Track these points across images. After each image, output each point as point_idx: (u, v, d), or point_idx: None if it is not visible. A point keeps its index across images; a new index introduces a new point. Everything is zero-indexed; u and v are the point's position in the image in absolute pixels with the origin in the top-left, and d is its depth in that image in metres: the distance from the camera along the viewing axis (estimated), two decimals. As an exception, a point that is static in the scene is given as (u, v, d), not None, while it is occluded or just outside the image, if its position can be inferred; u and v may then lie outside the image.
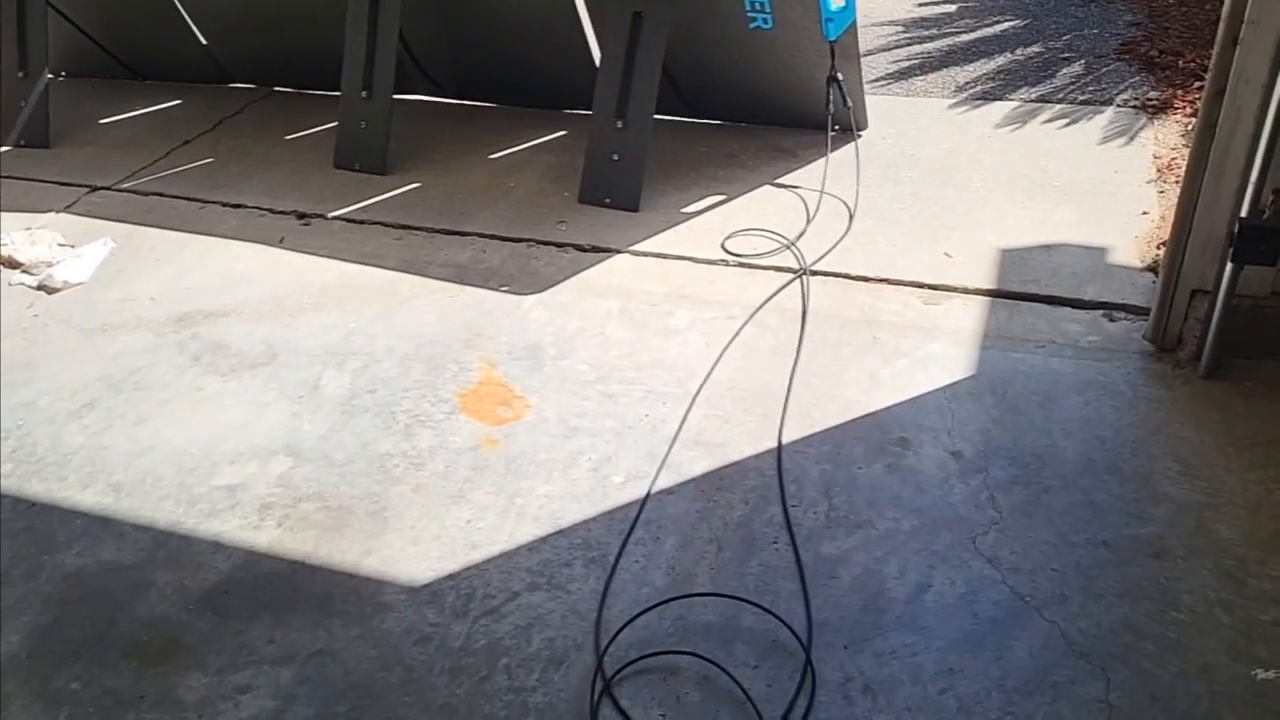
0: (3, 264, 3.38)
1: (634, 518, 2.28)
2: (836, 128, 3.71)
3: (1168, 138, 3.65)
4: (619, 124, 3.42)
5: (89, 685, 2.03)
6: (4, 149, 4.28)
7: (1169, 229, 2.60)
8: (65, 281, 3.27)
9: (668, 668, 1.97)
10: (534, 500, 2.35)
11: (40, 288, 3.27)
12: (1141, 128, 3.74)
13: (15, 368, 2.90)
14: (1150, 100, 3.93)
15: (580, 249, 3.28)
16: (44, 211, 3.77)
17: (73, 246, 3.47)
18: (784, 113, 3.83)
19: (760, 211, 3.39)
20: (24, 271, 3.33)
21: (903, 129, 3.88)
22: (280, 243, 3.41)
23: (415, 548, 2.26)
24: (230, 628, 2.12)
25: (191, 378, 2.82)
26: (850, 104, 3.62)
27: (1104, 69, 4.30)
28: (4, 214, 3.73)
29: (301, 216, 3.59)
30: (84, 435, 2.65)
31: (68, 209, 3.78)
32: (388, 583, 2.19)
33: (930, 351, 2.69)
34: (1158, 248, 2.96)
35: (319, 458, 2.52)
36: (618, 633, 2.02)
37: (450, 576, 2.19)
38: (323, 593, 2.17)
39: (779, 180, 3.57)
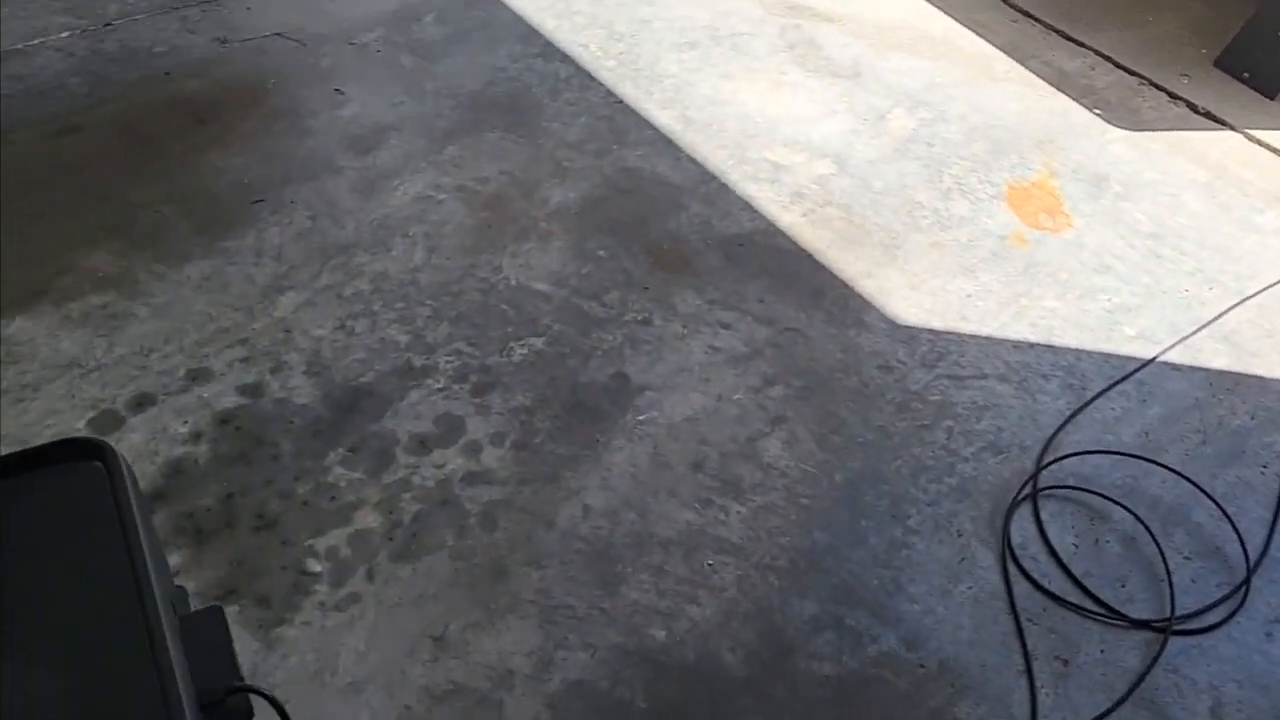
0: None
1: (1129, 371, 2.19)
2: None
3: None
4: (1308, -1, 3.01)
5: (612, 256, 2.33)
6: None
7: None
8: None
9: (1100, 511, 1.94)
10: (1037, 308, 2.32)
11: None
12: None
13: (645, -11, 3.20)
14: None
15: (1193, 108, 3.01)
16: None
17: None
18: None
19: None
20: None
21: None
22: (903, -22, 3.41)
23: (911, 292, 2.32)
24: (733, 273, 2.32)
25: (780, 61, 2.97)
26: None
27: None
28: None
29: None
30: (678, 66, 2.90)
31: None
32: (874, 307, 2.28)
33: None
34: None
35: (859, 177, 2.60)
36: (1069, 456, 2.00)
37: (931, 331, 2.24)
38: (817, 286, 2.31)
39: None
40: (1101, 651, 1.74)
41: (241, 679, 1.17)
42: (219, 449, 1.89)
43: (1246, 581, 1.83)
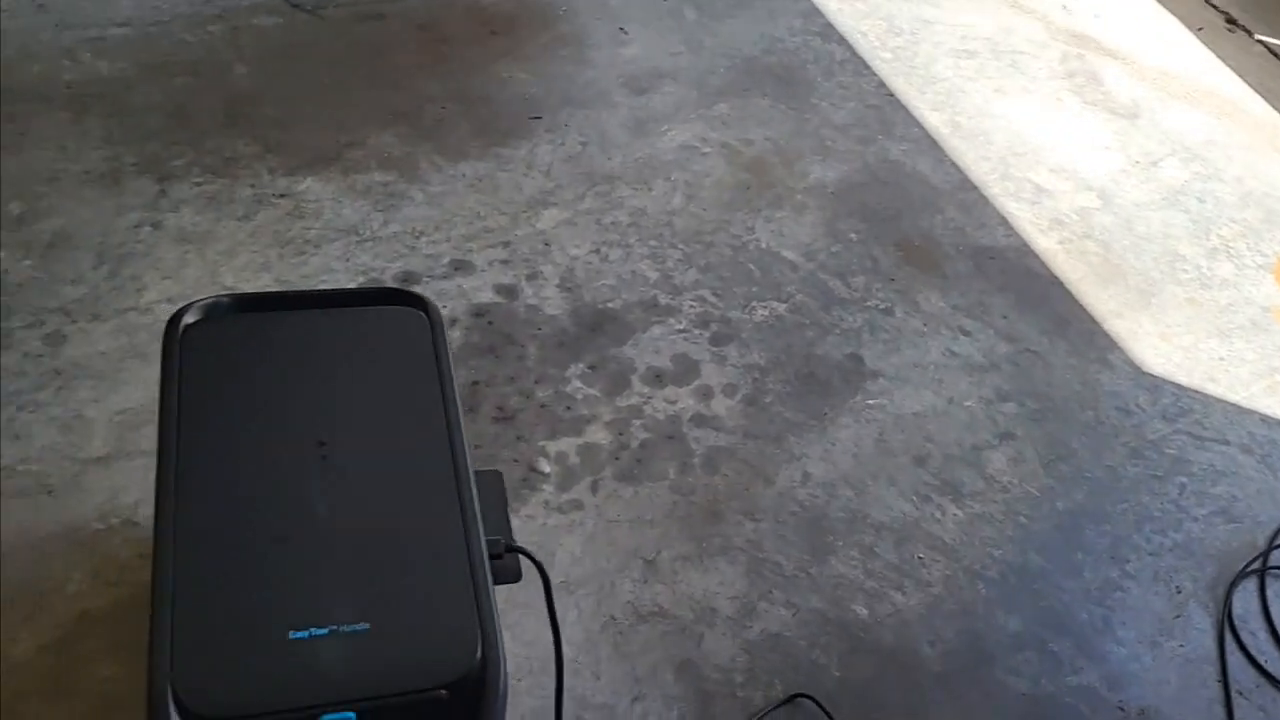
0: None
1: (1382, 473, 2.08)
2: None
3: None
4: None
5: (861, 241, 2.34)
6: None
7: None
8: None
9: (1329, 604, 1.85)
10: (1292, 388, 2.22)
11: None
12: None
13: (930, -11, 3.17)
14: None
15: None
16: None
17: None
18: None
19: None
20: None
21: None
22: (1198, 31, 3.29)
23: (1161, 342, 2.25)
24: (980, 284, 2.30)
25: (1057, 87, 2.91)
26: None
27: None
28: None
29: (1230, 21, 3.40)
30: (953, 71, 2.87)
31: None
32: (1120, 349, 2.23)
33: None
34: None
35: (1122, 217, 2.53)
36: (1302, 540, 1.92)
37: (1176, 385, 2.17)
38: (1064, 314, 2.27)
39: None
40: (1310, 744, 1.67)
41: (514, 541, 1.24)
42: (470, 338, 1.98)
43: None
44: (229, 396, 1.16)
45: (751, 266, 2.23)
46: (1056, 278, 2.35)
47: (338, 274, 2.03)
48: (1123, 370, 2.18)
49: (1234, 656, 1.75)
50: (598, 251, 2.19)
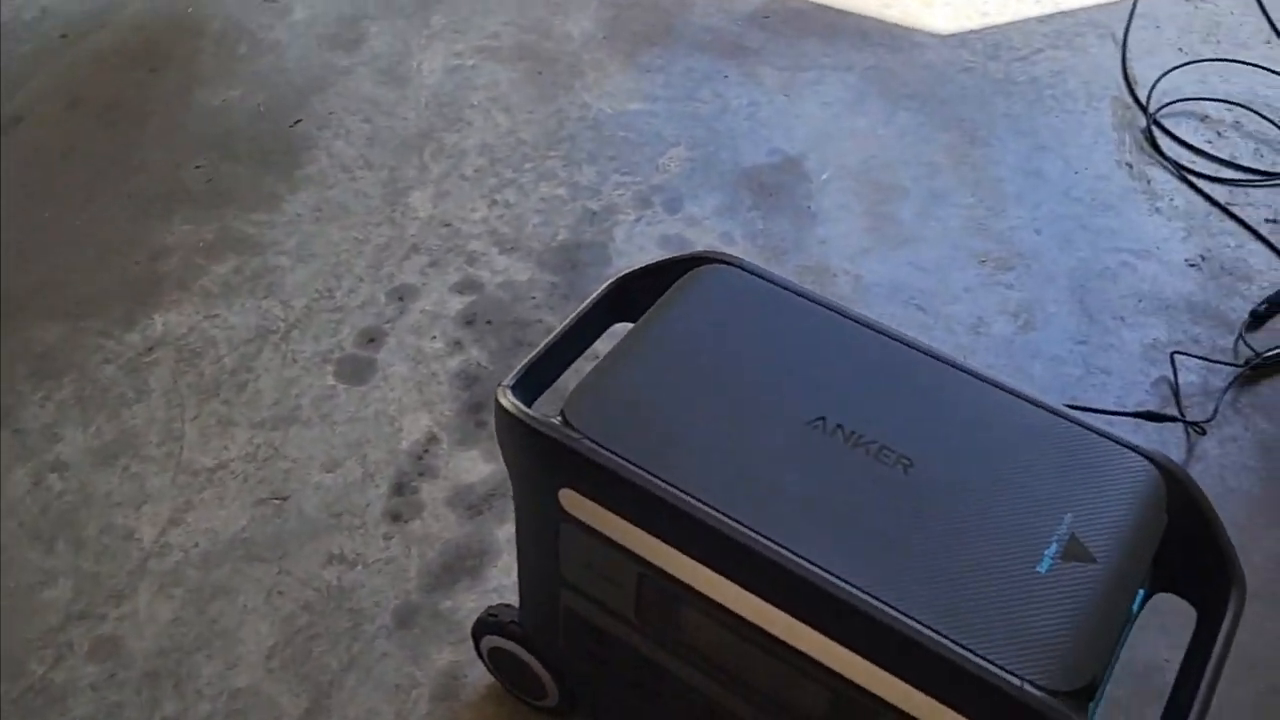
0: None
1: (1130, 9, 2.48)
2: None
3: None
4: None
5: (671, 62, 2.29)
6: None
7: None
8: None
9: (1198, 113, 2.22)
10: (1027, -11, 2.55)
11: None
12: None
13: None
14: None
15: None
16: None
17: None
18: None
19: None
20: None
21: None
22: None
23: (928, 10, 2.47)
24: (782, 41, 2.36)
25: None
26: None
27: None
28: None
29: None
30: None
31: None
32: (915, 29, 2.41)
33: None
34: None
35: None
36: (1157, 81, 2.26)
37: (972, 30, 2.41)
38: (858, 28, 2.40)
39: None
40: None
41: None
42: (488, 344, 1.73)
43: (1335, 118, 2.20)
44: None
45: (623, 134, 2.12)
46: (818, 5, 2.47)
47: (300, 378, 1.65)
48: (934, 45, 2.37)
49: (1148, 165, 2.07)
50: (495, 202, 1.96)
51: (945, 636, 0.83)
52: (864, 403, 0.99)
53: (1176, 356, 1.70)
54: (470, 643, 1.29)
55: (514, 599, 1.24)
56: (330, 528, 1.47)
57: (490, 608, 1.24)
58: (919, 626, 0.83)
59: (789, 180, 2.04)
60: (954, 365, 1.03)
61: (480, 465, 1.55)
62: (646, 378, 1.01)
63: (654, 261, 1.14)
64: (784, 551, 0.87)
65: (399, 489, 1.52)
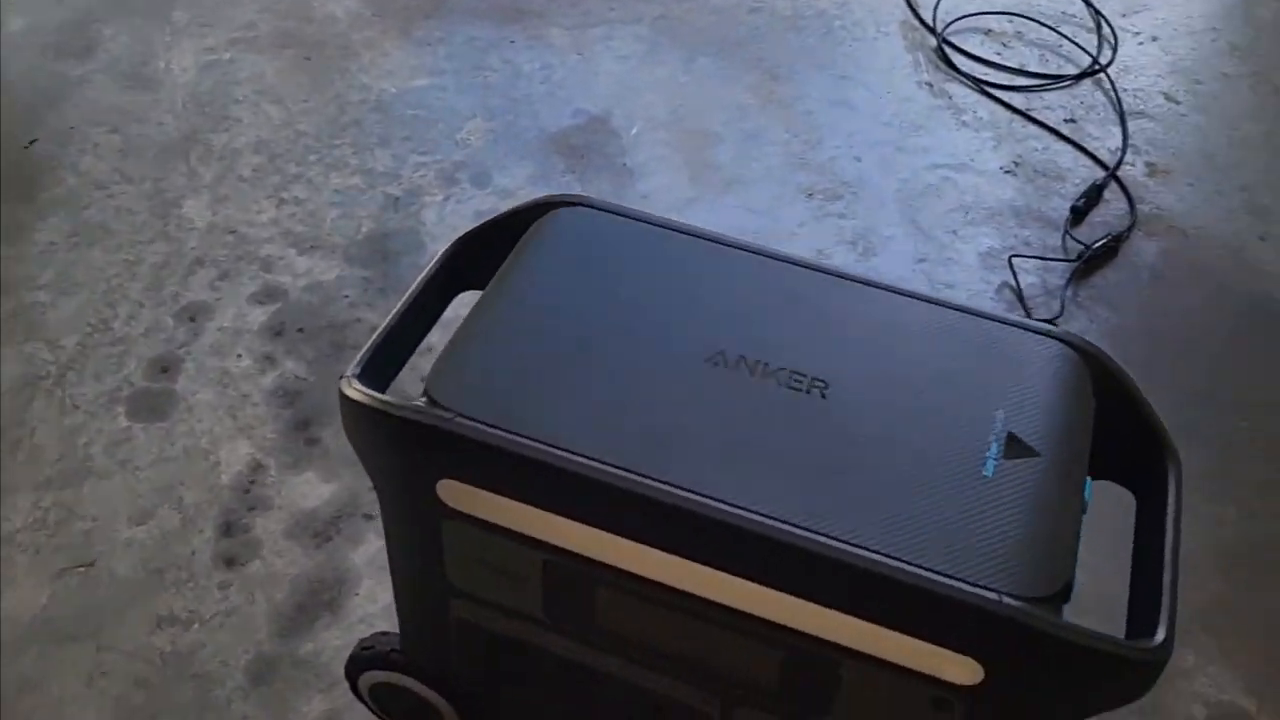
0: None
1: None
2: None
3: None
4: None
5: (450, 34, 2.14)
6: None
7: None
8: None
9: (982, 27, 2.25)
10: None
11: None
12: None
13: None
14: None
15: None
16: None
17: None
18: None
19: None
20: None
21: None
22: None
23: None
24: (564, 0, 2.24)
25: None
26: None
27: None
28: None
29: None
30: None
31: None
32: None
33: None
34: None
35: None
36: (938, 1, 2.27)
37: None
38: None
39: None
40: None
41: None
42: (303, 354, 1.54)
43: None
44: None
45: (411, 112, 1.95)
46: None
47: (92, 427, 1.42)
48: None
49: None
50: (283, 201, 1.77)
51: (903, 560, 0.74)
52: (762, 329, 0.88)
53: (1014, 260, 1.70)
54: (345, 685, 1.12)
55: (389, 625, 1.08)
56: (152, 588, 1.26)
57: (363, 640, 1.07)
58: (872, 555, 0.74)
59: (598, 139, 1.93)
60: (844, 276, 0.95)
61: (318, 487, 1.37)
62: (515, 341, 0.87)
63: (492, 217, 1.01)
64: (704, 500, 0.76)
65: (227, 529, 1.32)
